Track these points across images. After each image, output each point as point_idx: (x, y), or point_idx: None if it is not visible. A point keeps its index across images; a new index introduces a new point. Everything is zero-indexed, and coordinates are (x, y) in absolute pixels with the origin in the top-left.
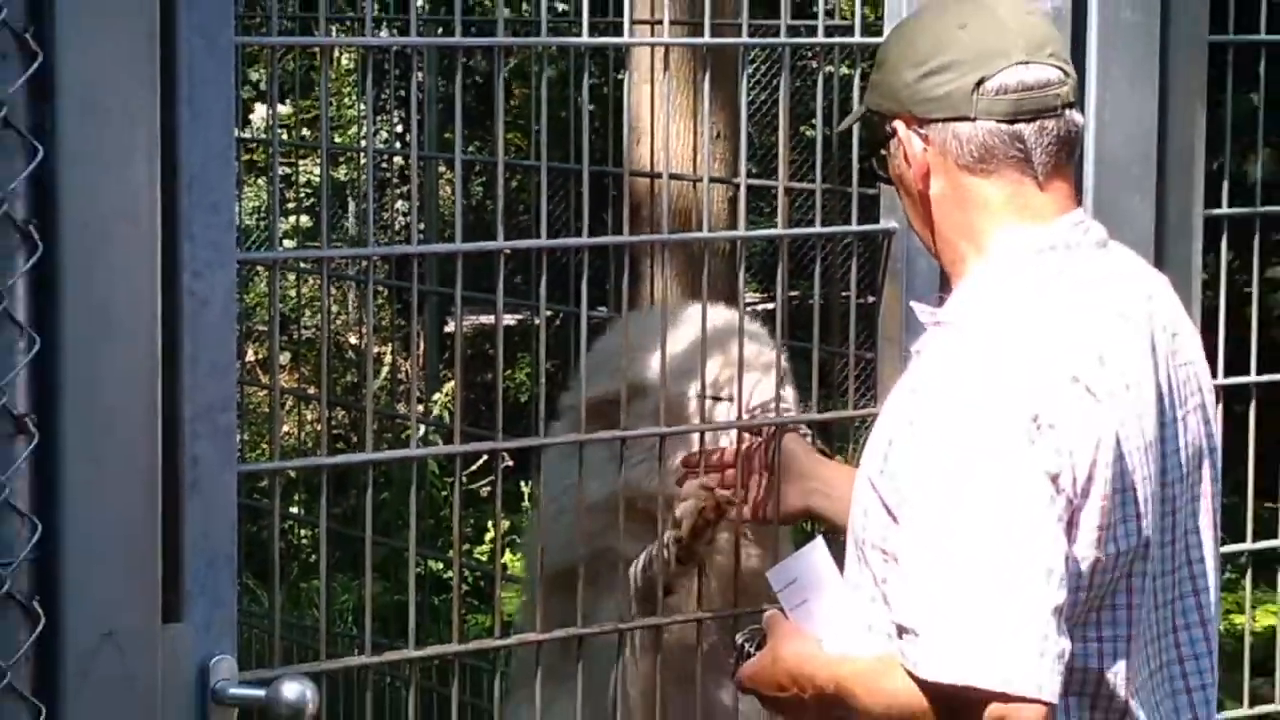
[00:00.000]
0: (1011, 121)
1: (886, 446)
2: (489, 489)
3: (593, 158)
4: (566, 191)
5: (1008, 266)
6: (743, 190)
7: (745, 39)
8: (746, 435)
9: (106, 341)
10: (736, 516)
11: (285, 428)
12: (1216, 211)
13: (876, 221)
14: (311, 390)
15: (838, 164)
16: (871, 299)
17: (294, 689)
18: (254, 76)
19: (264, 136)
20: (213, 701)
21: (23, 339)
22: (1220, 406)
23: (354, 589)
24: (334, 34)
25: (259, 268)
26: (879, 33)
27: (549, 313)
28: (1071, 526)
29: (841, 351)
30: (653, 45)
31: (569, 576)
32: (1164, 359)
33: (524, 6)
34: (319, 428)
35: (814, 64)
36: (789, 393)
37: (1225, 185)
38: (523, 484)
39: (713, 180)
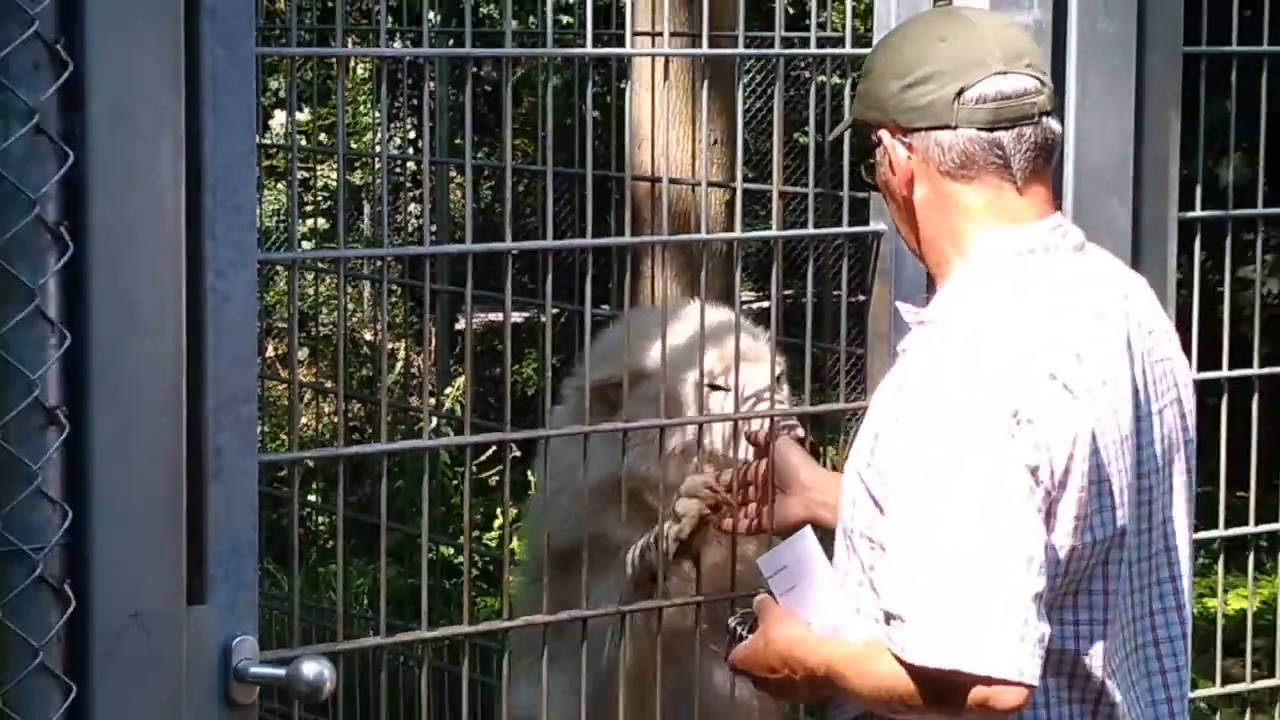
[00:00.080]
0: (991, 129)
1: (873, 441)
2: (498, 478)
3: (596, 163)
4: (571, 195)
5: (989, 269)
6: (739, 194)
7: (741, 50)
8: (747, 454)
9: (133, 337)
10: (732, 528)
11: (304, 420)
12: (1190, 214)
13: (866, 224)
14: (329, 384)
15: (829, 169)
16: (862, 297)
17: (313, 668)
18: (274, 85)
19: (283, 142)
20: (235, 680)
21: (54, 335)
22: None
23: (369, 573)
24: (350, 45)
25: (279, 267)
26: (869, 44)
27: (554, 310)
28: (1050, 516)
29: (833, 347)
30: (653, 56)
31: (566, 557)
32: (1140, 356)
33: (531, 19)
34: (336, 420)
35: (807, 74)
36: (785, 391)
37: (1199, 189)
38: (530, 473)
39: (710, 184)
